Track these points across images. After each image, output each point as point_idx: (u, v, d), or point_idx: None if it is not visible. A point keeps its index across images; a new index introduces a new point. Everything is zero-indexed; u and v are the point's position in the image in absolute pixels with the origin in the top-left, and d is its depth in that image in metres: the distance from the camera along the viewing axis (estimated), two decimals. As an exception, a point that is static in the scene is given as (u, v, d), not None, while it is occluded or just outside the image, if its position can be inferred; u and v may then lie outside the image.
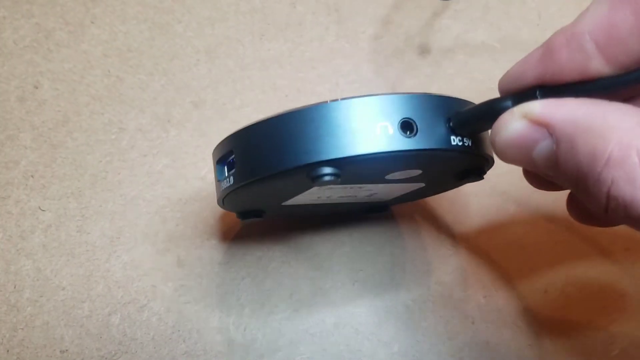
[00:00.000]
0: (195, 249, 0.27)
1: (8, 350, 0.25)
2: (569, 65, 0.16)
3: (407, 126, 0.18)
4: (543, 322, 0.26)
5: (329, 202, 0.24)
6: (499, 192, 0.29)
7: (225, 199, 0.22)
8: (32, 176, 0.28)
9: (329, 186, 0.20)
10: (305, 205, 0.24)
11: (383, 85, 0.31)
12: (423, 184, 0.23)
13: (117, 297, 0.26)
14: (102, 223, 0.28)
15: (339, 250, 0.27)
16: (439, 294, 0.26)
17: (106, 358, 0.25)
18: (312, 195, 0.22)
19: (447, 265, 0.27)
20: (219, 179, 0.22)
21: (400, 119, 0.18)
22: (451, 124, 0.19)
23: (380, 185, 0.22)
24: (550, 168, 0.16)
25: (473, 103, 0.19)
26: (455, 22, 0.33)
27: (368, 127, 0.18)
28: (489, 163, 0.21)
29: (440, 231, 0.28)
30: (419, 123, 0.18)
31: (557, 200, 0.23)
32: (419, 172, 0.21)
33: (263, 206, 0.24)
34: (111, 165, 0.29)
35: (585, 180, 0.15)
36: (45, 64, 0.30)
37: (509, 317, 0.26)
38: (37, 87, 0.30)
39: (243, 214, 0.25)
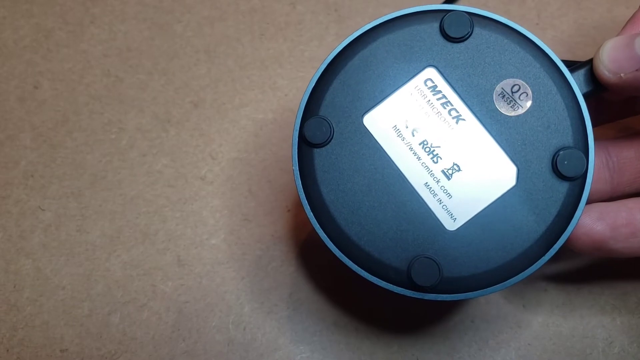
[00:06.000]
0: (195, 248, 0.27)
1: (8, 350, 0.26)
2: None
3: None
4: (543, 322, 0.26)
5: None
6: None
7: None
8: (31, 176, 0.28)
9: None
10: None
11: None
12: None
13: (116, 297, 0.26)
14: (102, 222, 0.28)
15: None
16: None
17: (106, 357, 0.25)
18: None
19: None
20: None
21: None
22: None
23: None
24: None
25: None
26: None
27: None
28: None
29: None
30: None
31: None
32: None
33: None
34: (111, 165, 0.29)
35: None
36: (45, 64, 0.30)
37: (509, 316, 0.26)
38: (36, 87, 0.30)
39: None
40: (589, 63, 0.21)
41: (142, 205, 0.28)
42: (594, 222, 0.21)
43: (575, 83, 0.20)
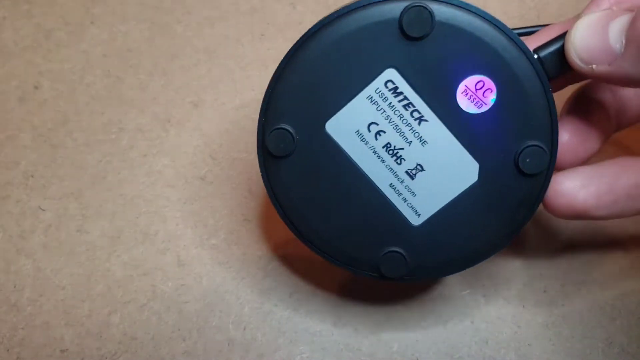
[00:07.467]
0: (195, 248, 0.27)
1: (8, 350, 0.26)
2: None
3: None
4: (543, 322, 0.26)
5: None
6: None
7: None
8: (32, 176, 0.28)
9: None
10: None
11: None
12: None
13: (117, 297, 0.26)
14: (102, 223, 0.28)
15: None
16: (439, 294, 0.26)
17: (106, 357, 0.25)
18: None
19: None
20: None
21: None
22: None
23: None
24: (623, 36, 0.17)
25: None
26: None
27: None
28: None
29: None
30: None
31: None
32: None
33: None
34: (111, 165, 0.29)
35: None
36: (45, 64, 0.30)
37: (509, 316, 0.26)
38: (37, 87, 0.30)
39: None
40: (561, 41, 0.19)
41: (142, 205, 0.28)
42: (577, 191, 0.20)
43: (543, 73, 0.19)
